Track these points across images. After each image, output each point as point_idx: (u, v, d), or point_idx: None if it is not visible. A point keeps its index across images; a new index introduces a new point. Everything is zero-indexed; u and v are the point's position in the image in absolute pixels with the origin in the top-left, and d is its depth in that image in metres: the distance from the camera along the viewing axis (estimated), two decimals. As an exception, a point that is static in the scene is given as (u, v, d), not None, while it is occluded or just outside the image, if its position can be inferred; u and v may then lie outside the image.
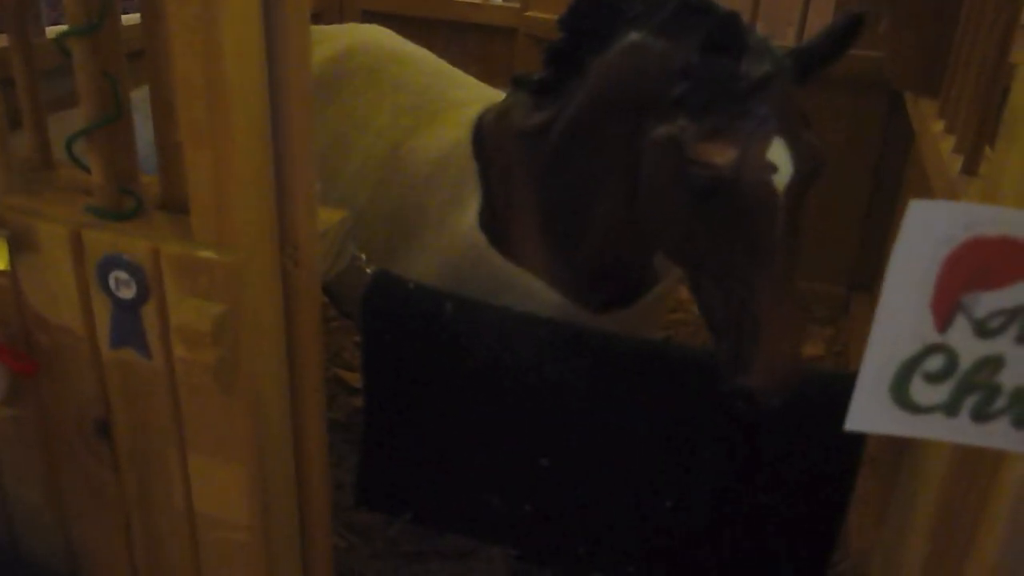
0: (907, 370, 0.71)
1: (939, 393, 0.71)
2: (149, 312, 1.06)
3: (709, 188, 0.94)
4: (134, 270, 1.03)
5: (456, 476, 1.29)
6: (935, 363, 0.70)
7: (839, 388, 0.78)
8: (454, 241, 1.27)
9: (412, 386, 1.25)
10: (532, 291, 1.24)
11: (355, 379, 2.31)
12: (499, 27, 3.05)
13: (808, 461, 1.16)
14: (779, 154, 0.93)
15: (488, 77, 3.09)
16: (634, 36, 1.08)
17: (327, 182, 1.49)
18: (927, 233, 0.65)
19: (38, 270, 1.10)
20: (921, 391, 0.71)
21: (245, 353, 1.06)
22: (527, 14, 2.90)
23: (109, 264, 1.04)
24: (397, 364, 1.24)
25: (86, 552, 1.31)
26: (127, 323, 1.08)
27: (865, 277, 2.82)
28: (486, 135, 1.31)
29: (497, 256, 1.25)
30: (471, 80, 1.61)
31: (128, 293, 1.05)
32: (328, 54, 1.62)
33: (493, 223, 1.28)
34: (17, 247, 1.09)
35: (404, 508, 1.35)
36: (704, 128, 0.95)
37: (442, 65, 1.63)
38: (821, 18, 2.65)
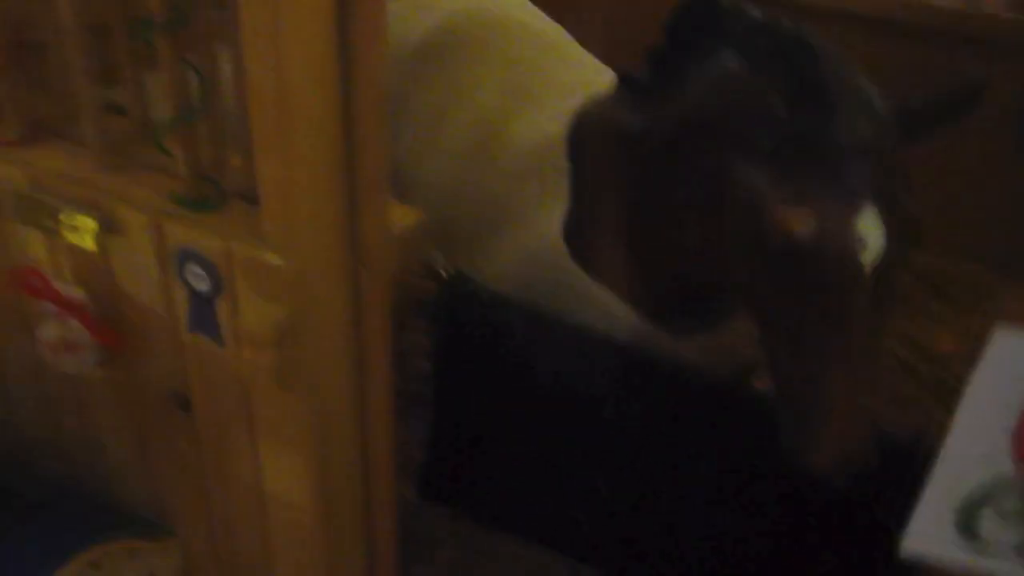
0: (977, 499, 0.63)
1: (1014, 532, 0.63)
2: (223, 304, 1.08)
3: (785, 254, 0.85)
4: (207, 266, 1.05)
5: (517, 483, 1.27)
6: (1011, 501, 0.61)
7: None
8: (535, 247, 1.22)
9: (480, 392, 1.23)
10: (610, 310, 1.18)
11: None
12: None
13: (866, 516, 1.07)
14: (869, 226, 0.83)
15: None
16: (733, 63, 0.98)
17: (421, 154, 1.46)
18: (1013, 365, 0.57)
19: (125, 251, 1.13)
20: (991, 525, 0.63)
21: (309, 355, 1.06)
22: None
23: (185, 257, 1.06)
24: (466, 370, 1.23)
25: (170, 507, 1.39)
26: (202, 311, 1.10)
27: (1016, 257, 2.49)
28: (582, 135, 1.24)
29: (577, 270, 1.20)
30: (586, 58, 1.52)
31: (203, 285, 1.07)
32: (436, 22, 1.57)
33: (577, 232, 1.22)
34: (106, 228, 1.12)
35: (465, 507, 1.35)
36: (787, 189, 0.85)
37: (557, 37, 1.55)
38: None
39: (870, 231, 0.83)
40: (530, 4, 1.72)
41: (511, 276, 1.23)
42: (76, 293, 1.19)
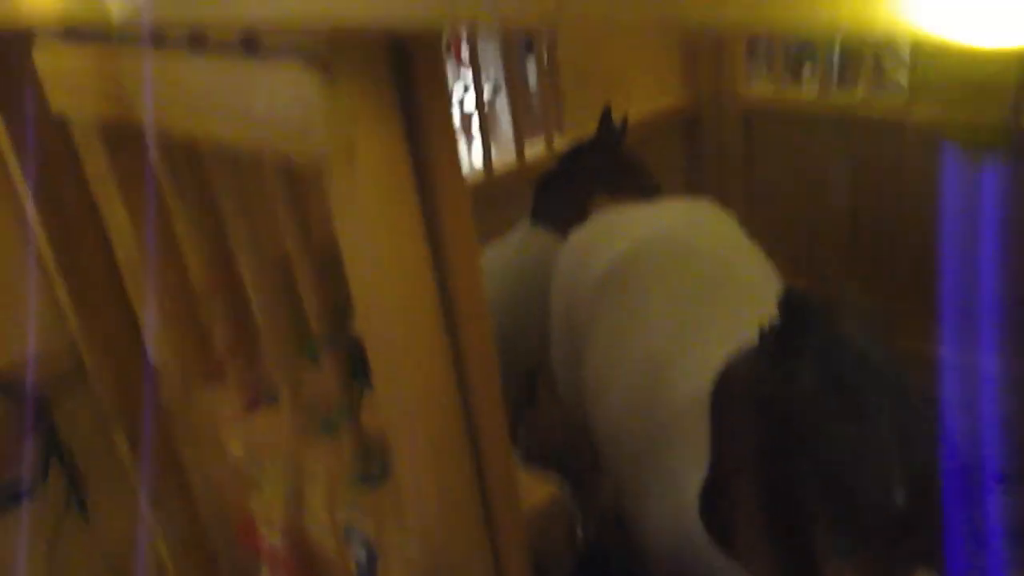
0: None
1: None
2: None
3: None
4: (364, 542, 1.17)
5: None
6: None
7: None
8: (669, 521, 1.20)
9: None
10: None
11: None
12: (885, 123, 2.77)
13: None
14: None
15: (878, 174, 2.85)
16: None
17: (598, 391, 1.51)
18: None
19: (311, 522, 1.30)
20: None
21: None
22: (913, 111, 2.59)
23: (349, 530, 1.20)
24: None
25: None
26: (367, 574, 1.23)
27: None
28: (722, 398, 1.22)
29: (713, 552, 1.16)
30: (760, 285, 1.49)
31: (362, 556, 1.19)
32: (621, 251, 1.64)
33: (714, 504, 1.18)
34: (296, 499, 1.29)
35: None
36: (839, 552, 0.79)
37: (733, 265, 1.54)
38: None
39: None
40: (725, 224, 1.73)
41: (650, 548, 1.22)
42: (279, 543, 1.37)
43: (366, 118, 0.87)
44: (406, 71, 0.88)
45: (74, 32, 1.20)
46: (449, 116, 0.94)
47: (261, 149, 0.97)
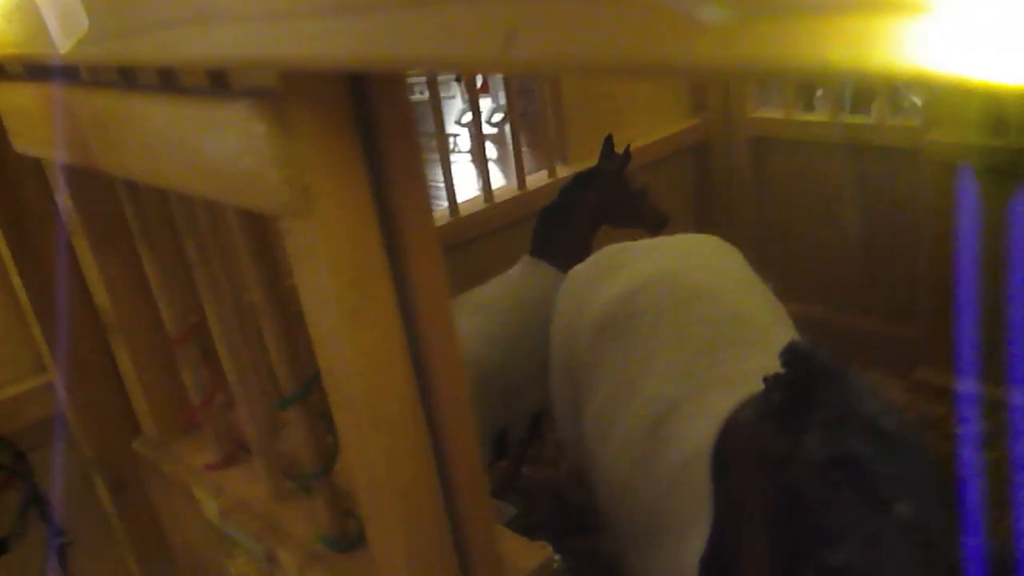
0: None
1: None
2: (359, 645, 1.11)
3: None
4: (337, 614, 1.09)
5: None
6: None
7: None
8: None
9: None
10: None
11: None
12: (898, 149, 2.68)
13: None
14: None
15: (891, 200, 2.76)
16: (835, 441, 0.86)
17: (597, 440, 1.42)
18: None
19: (284, 579, 1.22)
20: None
21: None
22: (928, 136, 2.50)
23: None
24: None
25: None
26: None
27: None
28: (730, 446, 1.13)
29: None
30: (767, 327, 1.40)
31: (338, 629, 1.11)
32: (619, 290, 1.56)
33: (718, 568, 1.09)
34: (268, 560, 1.21)
35: None
36: None
37: (737, 304, 1.45)
38: None
39: None
40: (732, 260, 1.65)
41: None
42: (257, 609, 1.29)
43: (324, 164, 0.79)
44: (368, 113, 0.81)
45: (32, 69, 1.14)
46: (417, 159, 0.86)
47: (217, 196, 0.90)
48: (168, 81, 0.96)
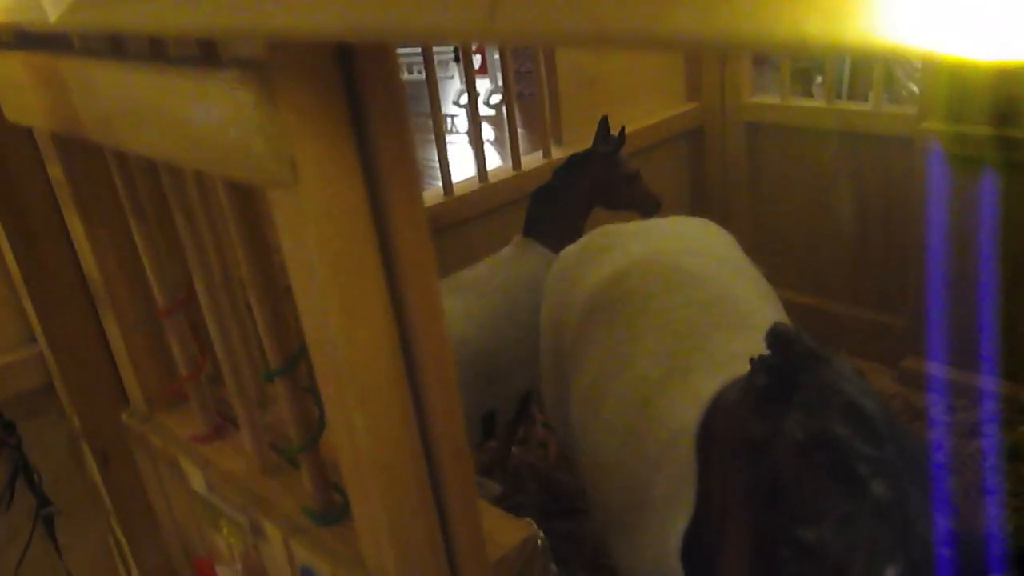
0: None
1: None
2: (342, 617, 1.11)
3: None
4: (321, 585, 1.09)
5: None
6: None
7: None
8: (651, 565, 1.12)
9: None
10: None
11: None
12: (894, 136, 2.68)
13: None
14: None
15: (885, 189, 2.76)
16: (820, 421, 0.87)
17: (585, 420, 1.43)
18: None
19: (268, 556, 1.22)
20: None
21: None
22: (923, 124, 2.50)
23: (305, 572, 1.12)
24: None
25: None
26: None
27: None
28: (714, 426, 1.14)
29: None
30: (755, 310, 1.40)
31: (324, 600, 1.12)
32: (609, 270, 1.56)
33: (696, 550, 1.10)
34: (254, 533, 1.22)
35: None
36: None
37: (726, 287, 1.45)
38: None
39: None
40: (723, 243, 1.65)
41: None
42: (240, 582, 1.30)
43: (311, 135, 0.79)
44: (356, 85, 0.80)
45: (22, 38, 1.13)
46: (405, 132, 0.86)
47: (204, 167, 0.90)
48: (157, 51, 0.96)
